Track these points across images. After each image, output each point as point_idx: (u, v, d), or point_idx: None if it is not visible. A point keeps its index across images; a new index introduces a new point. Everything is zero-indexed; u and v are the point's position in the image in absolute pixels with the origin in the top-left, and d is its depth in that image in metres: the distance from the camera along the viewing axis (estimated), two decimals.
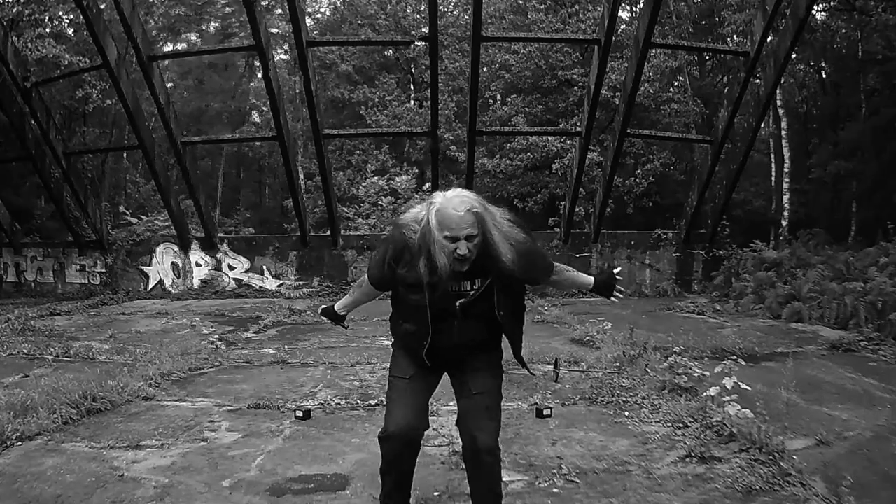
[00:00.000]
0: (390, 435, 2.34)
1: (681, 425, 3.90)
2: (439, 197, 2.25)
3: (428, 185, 14.73)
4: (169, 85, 18.66)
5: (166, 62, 20.60)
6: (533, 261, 2.39)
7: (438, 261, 2.19)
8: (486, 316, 2.38)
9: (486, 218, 2.22)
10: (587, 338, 7.00)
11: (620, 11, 14.50)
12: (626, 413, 4.28)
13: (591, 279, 2.63)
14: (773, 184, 17.90)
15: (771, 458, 3.24)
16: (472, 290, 2.33)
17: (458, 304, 2.34)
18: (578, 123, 12.90)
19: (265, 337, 7.93)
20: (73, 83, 15.52)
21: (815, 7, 13.65)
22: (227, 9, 24.87)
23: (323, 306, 2.86)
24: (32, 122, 11.85)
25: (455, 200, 2.20)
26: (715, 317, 9.18)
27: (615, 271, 2.63)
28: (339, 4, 23.65)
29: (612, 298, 2.64)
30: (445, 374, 2.59)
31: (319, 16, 25.74)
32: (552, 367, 5.41)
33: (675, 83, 18.99)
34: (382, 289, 2.56)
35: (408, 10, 20.91)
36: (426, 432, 2.46)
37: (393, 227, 2.46)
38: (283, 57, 24.35)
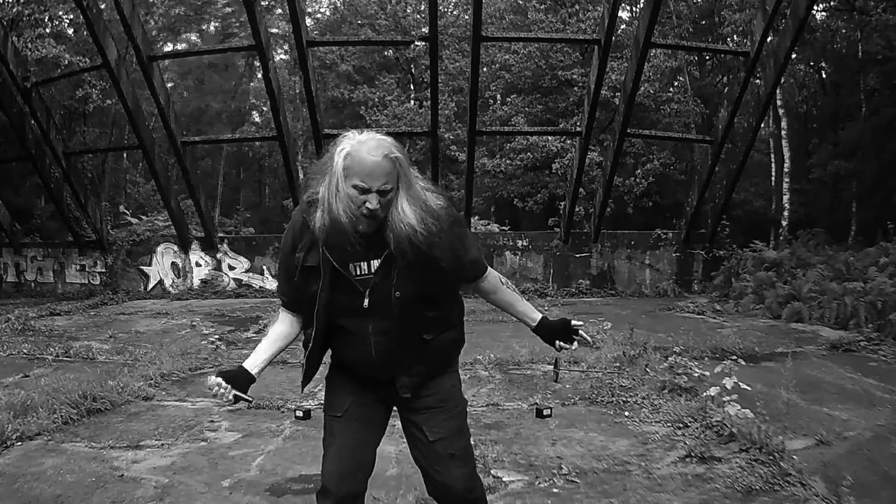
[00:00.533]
0: (325, 492, 1.89)
1: (681, 425, 3.90)
2: (350, 140, 1.76)
3: None
4: (169, 85, 18.65)
5: (166, 62, 20.59)
6: (450, 242, 1.83)
7: (338, 215, 1.72)
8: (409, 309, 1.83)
9: (403, 171, 1.76)
10: None
11: (620, 11, 14.51)
12: (626, 413, 4.28)
13: (538, 315, 2.06)
14: (773, 184, 17.91)
15: (771, 458, 3.24)
16: (374, 269, 1.82)
17: (366, 293, 1.81)
18: (578, 123, 12.90)
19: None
20: (73, 83, 15.53)
21: (815, 7, 13.65)
22: (227, 9, 24.90)
23: (219, 369, 1.95)
24: (32, 122, 11.85)
25: (370, 143, 1.74)
26: (715, 317, 9.18)
27: (574, 323, 2.04)
28: (339, 4, 23.67)
29: (561, 347, 2.03)
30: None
31: (319, 16, 25.79)
32: (552, 367, 5.41)
33: (675, 83, 19.00)
34: (298, 304, 1.93)
35: (408, 10, 20.93)
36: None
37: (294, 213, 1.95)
38: (283, 57, 24.37)
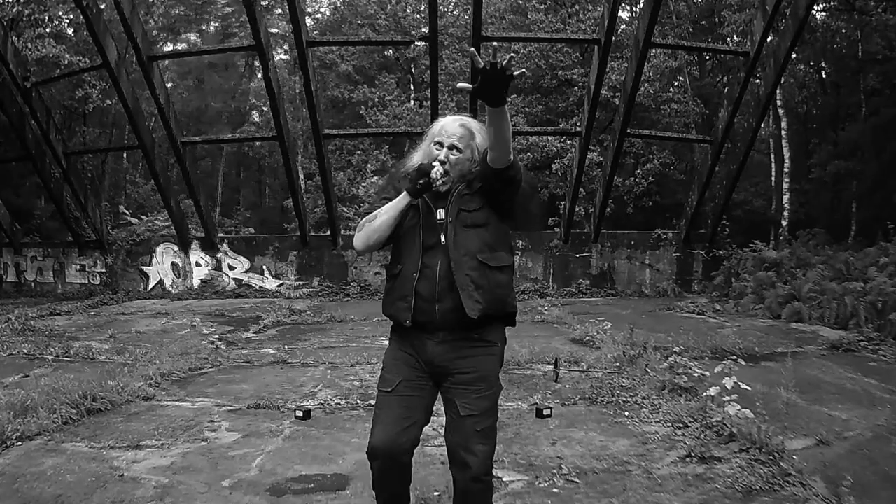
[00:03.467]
0: (372, 452, 2.13)
1: (681, 425, 3.90)
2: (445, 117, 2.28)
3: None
4: (169, 85, 18.67)
5: (166, 62, 20.60)
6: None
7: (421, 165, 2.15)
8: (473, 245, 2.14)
9: (475, 144, 2.20)
10: (587, 338, 6.99)
11: (620, 11, 14.51)
12: (626, 413, 4.28)
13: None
14: (773, 184, 17.91)
15: (771, 458, 3.24)
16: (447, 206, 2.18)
17: (438, 217, 2.17)
18: (578, 123, 12.90)
19: (265, 337, 7.93)
20: (73, 83, 15.53)
21: (815, 7, 13.66)
22: (227, 9, 24.92)
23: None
24: (32, 122, 11.86)
25: (454, 116, 2.25)
26: (715, 317, 9.18)
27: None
28: (339, 4, 23.65)
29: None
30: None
31: (319, 16, 25.80)
32: (552, 367, 5.41)
33: (675, 83, 18.99)
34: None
35: (408, 10, 20.91)
36: (428, 432, 2.31)
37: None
38: (283, 57, 24.37)
